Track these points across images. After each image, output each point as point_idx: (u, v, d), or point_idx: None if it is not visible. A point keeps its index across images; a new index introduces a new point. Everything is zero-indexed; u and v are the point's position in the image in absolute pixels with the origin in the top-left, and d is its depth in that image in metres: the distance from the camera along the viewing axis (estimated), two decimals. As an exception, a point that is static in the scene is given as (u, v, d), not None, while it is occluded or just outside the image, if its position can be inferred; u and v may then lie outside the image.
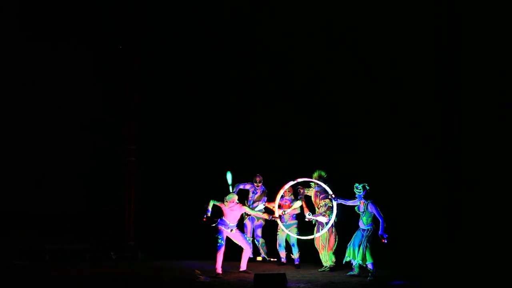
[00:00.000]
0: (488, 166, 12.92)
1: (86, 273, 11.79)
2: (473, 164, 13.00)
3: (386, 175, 13.41)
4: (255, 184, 12.86)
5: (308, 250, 12.20)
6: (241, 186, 12.88)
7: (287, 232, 12.27)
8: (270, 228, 12.86)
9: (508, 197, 12.61)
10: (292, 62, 14.80)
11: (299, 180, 11.84)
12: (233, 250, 11.89)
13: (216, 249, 11.27)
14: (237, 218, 11.59)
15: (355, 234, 11.35)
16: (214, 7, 14.95)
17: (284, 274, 10.04)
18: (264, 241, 12.81)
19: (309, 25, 14.62)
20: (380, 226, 11.04)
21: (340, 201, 11.47)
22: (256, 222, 12.85)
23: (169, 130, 15.18)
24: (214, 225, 11.39)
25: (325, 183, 11.74)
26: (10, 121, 14.82)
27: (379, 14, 14.12)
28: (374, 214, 11.13)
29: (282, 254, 12.73)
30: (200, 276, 10.92)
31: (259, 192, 12.84)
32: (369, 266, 11.06)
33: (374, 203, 11.16)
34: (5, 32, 14.86)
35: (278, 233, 12.60)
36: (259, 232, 12.84)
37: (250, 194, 12.92)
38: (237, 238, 11.58)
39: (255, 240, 12.79)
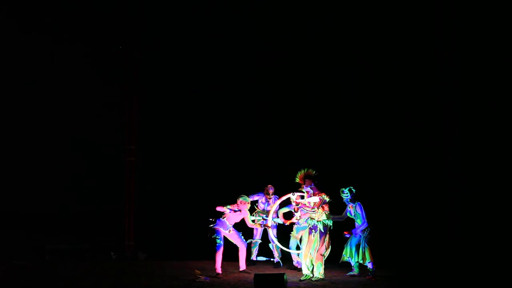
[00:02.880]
0: (488, 166, 12.92)
1: (86, 273, 11.79)
2: (473, 164, 12.99)
3: (386, 175, 13.41)
4: (267, 196, 12.41)
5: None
6: (251, 198, 12.12)
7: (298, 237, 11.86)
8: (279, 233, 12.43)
9: (508, 197, 12.60)
10: (291, 61, 14.80)
11: (297, 194, 11.20)
12: (233, 250, 11.87)
13: (215, 249, 11.26)
14: (237, 221, 11.54)
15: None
16: (213, 7, 14.95)
17: (283, 274, 10.03)
18: (279, 243, 12.09)
19: (308, 25, 14.62)
20: (359, 226, 11.04)
21: (335, 219, 11.25)
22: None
23: (169, 130, 15.17)
24: (211, 226, 11.35)
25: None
26: (10, 121, 14.82)
27: (378, 14, 14.12)
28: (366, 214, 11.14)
29: (294, 257, 12.19)
30: (200, 276, 10.92)
31: (271, 203, 12.33)
32: (369, 265, 11.07)
33: (361, 205, 11.15)
34: (4, 32, 14.87)
35: (291, 234, 12.06)
36: (275, 232, 12.26)
37: (261, 206, 12.47)
38: (233, 237, 11.56)
39: (271, 243, 12.27)
